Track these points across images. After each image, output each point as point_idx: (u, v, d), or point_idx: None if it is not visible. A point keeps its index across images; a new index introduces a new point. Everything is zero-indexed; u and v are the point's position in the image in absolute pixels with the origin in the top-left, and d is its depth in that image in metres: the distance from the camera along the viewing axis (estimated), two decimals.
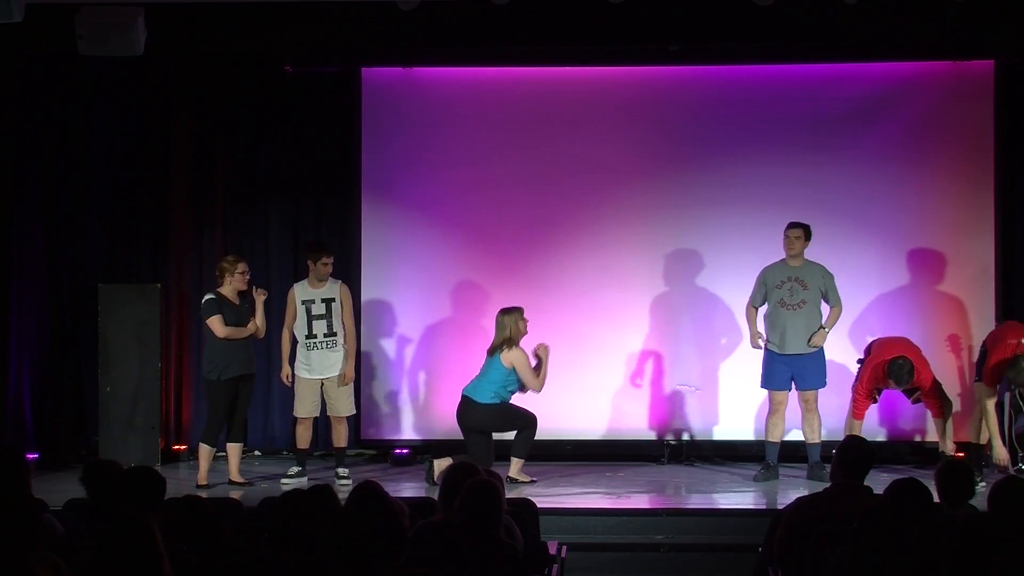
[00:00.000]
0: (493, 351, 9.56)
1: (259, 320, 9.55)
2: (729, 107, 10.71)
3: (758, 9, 8.61)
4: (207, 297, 9.55)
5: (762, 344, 9.74)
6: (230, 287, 9.49)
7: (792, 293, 9.67)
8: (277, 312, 10.78)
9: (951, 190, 10.61)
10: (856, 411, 9.53)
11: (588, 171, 10.75)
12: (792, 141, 10.65)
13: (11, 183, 10.80)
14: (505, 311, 9.58)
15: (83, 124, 10.92)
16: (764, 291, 9.78)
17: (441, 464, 9.32)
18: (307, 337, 9.57)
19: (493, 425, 9.53)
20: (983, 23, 9.23)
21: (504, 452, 10.41)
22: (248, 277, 9.56)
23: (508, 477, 9.32)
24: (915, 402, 9.74)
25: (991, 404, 9.23)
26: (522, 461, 9.51)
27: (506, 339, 9.49)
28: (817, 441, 9.68)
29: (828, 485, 9.23)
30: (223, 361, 9.41)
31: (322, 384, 9.63)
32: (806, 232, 9.69)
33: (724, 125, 10.70)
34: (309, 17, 9.35)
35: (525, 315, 9.57)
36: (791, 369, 9.69)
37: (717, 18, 9.34)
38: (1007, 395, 9.72)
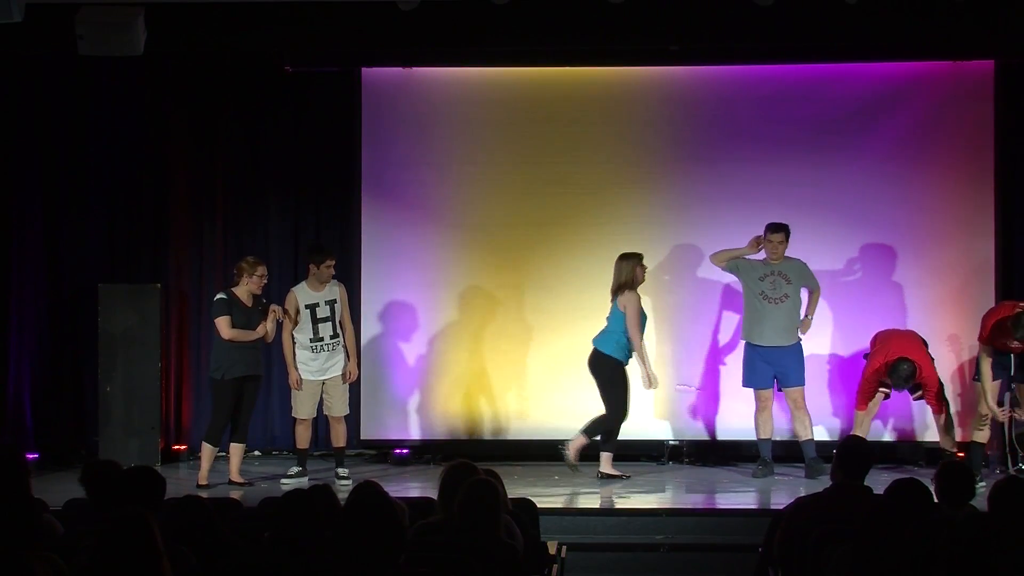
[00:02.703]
0: (612, 296, 9.62)
1: (269, 325, 9.50)
2: (729, 107, 10.70)
3: (758, 9, 8.61)
4: (218, 296, 9.54)
5: (757, 243, 9.76)
6: (244, 288, 9.45)
7: (775, 287, 9.73)
8: None
9: (951, 189, 10.61)
10: (858, 403, 9.62)
11: (588, 171, 10.76)
12: (792, 141, 10.65)
13: (11, 183, 10.80)
14: (623, 256, 9.64)
15: (83, 124, 10.92)
16: (736, 271, 9.86)
17: (573, 445, 9.53)
18: (312, 340, 9.55)
19: (604, 377, 9.55)
20: (983, 23, 9.23)
21: (498, 453, 10.47)
22: (265, 282, 9.51)
23: (600, 473, 9.55)
24: (917, 399, 9.75)
25: (986, 365, 9.21)
26: (610, 455, 9.60)
27: (622, 283, 9.54)
28: (810, 438, 9.74)
29: (813, 480, 9.37)
30: (228, 361, 9.40)
31: (322, 384, 9.63)
32: (787, 235, 9.75)
33: (724, 125, 10.70)
34: (309, 17, 9.34)
35: (643, 263, 9.61)
36: (773, 367, 9.74)
37: (717, 18, 9.33)
38: (1007, 395, 9.72)
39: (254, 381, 9.60)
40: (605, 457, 9.61)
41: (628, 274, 9.55)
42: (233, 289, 9.49)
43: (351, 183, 10.89)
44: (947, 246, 10.60)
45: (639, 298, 9.56)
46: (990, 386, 9.23)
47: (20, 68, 10.59)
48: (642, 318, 9.57)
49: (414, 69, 10.85)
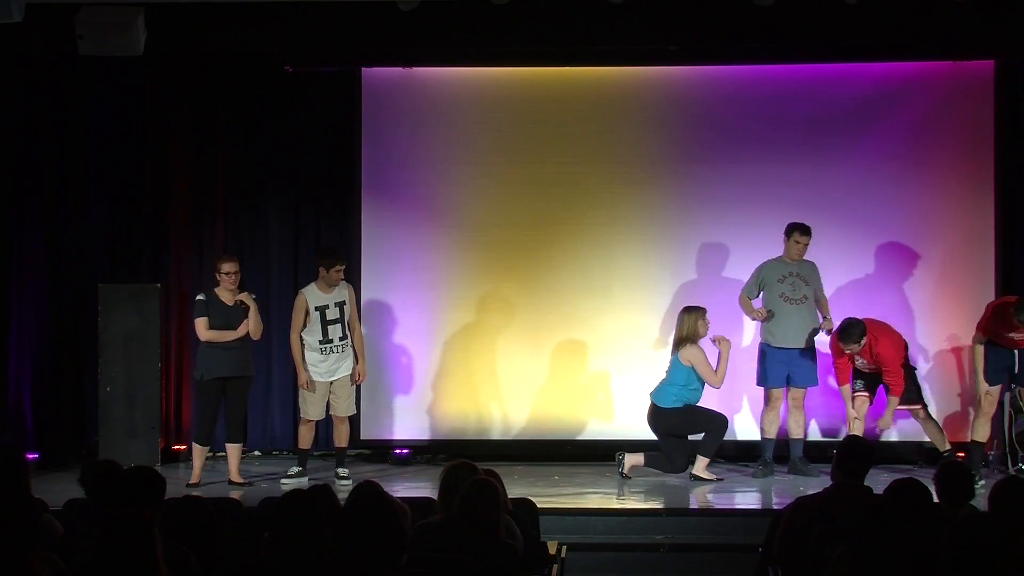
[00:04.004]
0: (673, 349, 9.66)
1: (252, 324, 9.52)
2: (729, 107, 10.70)
3: (758, 9, 8.61)
4: (198, 297, 9.59)
5: (763, 315, 9.80)
6: (223, 286, 9.49)
7: (795, 288, 9.78)
8: (278, 312, 10.79)
9: (951, 190, 10.61)
10: (838, 380, 9.69)
11: (588, 171, 10.76)
12: (792, 141, 10.65)
13: (11, 183, 10.79)
14: (687, 309, 9.68)
15: (83, 124, 10.91)
16: (760, 286, 9.88)
17: (632, 459, 9.57)
18: (321, 342, 9.53)
19: (679, 429, 9.61)
20: (983, 23, 9.23)
21: (498, 453, 10.46)
22: (232, 277, 9.49)
23: (692, 475, 9.56)
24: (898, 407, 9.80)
25: (980, 348, 9.28)
26: (707, 460, 9.61)
27: (683, 337, 9.57)
28: (800, 437, 9.89)
29: (813, 479, 9.40)
30: (208, 361, 9.44)
31: (329, 385, 9.63)
32: (810, 236, 9.78)
33: (724, 125, 10.70)
34: (309, 17, 9.34)
35: (706, 317, 9.62)
36: (787, 367, 9.76)
37: (717, 18, 9.33)
38: (1007, 395, 9.73)
39: (239, 382, 9.58)
40: (704, 462, 9.61)
41: (691, 328, 9.56)
42: (215, 289, 9.51)
43: (351, 183, 10.88)
44: (947, 246, 10.60)
45: (701, 350, 9.56)
46: (981, 364, 9.26)
47: (20, 68, 10.59)
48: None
49: (414, 69, 10.85)
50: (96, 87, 10.88)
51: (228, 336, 9.43)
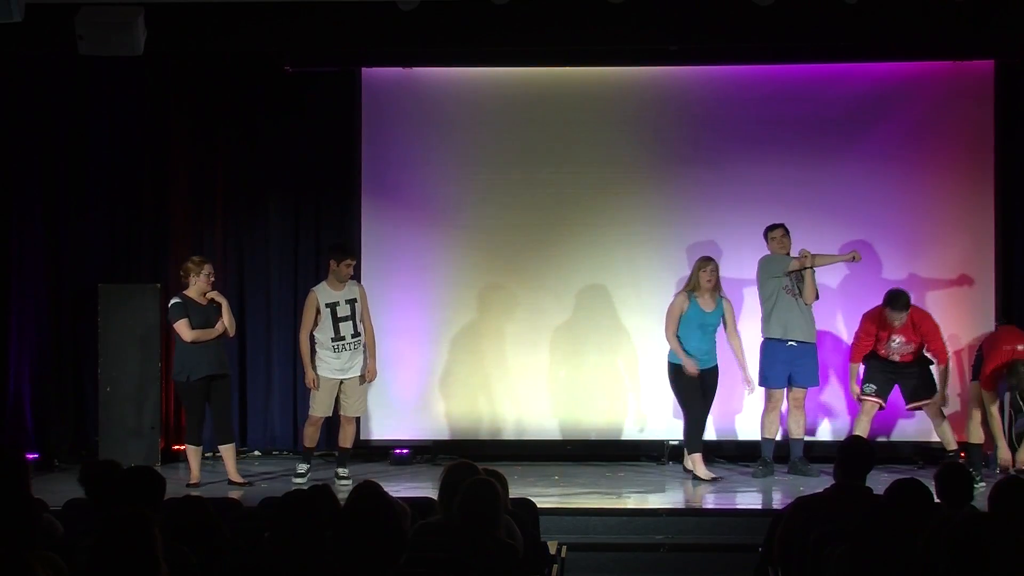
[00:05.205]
0: None
1: (227, 320, 9.56)
2: (729, 107, 10.71)
3: (758, 9, 8.61)
4: (173, 301, 9.58)
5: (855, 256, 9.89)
6: (195, 288, 9.53)
7: (795, 281, 9.76)
8: (277, 311, 10.79)
9: (951, 190, 10.61)
10: (853, 354, 9.71)
11: (588, 171, 10.76)
12: (792, 141, 10.65)
13: (11, 183, 10.80)
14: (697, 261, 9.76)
15: (83, 124, 10.92)
16: (764, 268, 9.87)
17: (691, 462, 9.61)
18: (333, 339, 9.55)
19: (670, 380, 9.68)
20: (983, 23, 9.22)
21: (498, 453, 10.46)
22: (213, 279, 9.58)
23: (692, 475, 9.57)
24: (912, 409, 9.77)
25: (994, 408, 9.27)
26: (700, 454, 9.63)
27: (688, 288, 9.66)
28: (800, 438, 9.87)
29: (813, 479, 9.41)
30: (191, 363, 9.46)
31: (340, 383, 9.64)
32: (786, 229, 9.81)
33: (724, 125, 10.70)
34: (309, 17, 9.34)
35: (707, 268, 9.61)
36: (789, 366, 9.76)
37: (717, 18, 9.33)
38: (1007, 395, 9.73)
39: (222, 380, 9.62)
40: (695, 459, 9.61)
41: (692, 278, 9.63)
42: (185, 292, 9.55)
43: (351, 183, 10.89)
44: (947, 246, 10.60)
45: (681, 300, 9.58)
46: (999, 432, 9.27)
47: (20, 68, 10.59)
48: (696, 318, 9.56)
49: (414, 69, 10.85)
50: (96, 87, 10.89)
51: (211, 334, 9.49)
